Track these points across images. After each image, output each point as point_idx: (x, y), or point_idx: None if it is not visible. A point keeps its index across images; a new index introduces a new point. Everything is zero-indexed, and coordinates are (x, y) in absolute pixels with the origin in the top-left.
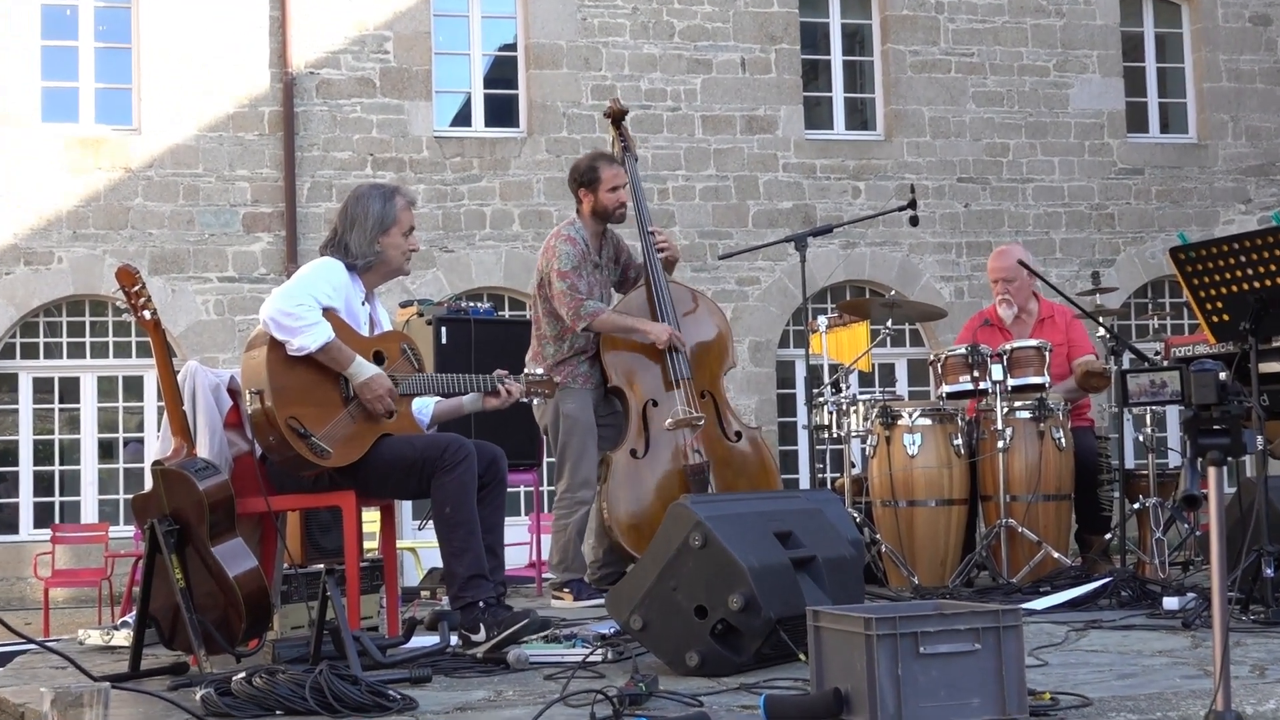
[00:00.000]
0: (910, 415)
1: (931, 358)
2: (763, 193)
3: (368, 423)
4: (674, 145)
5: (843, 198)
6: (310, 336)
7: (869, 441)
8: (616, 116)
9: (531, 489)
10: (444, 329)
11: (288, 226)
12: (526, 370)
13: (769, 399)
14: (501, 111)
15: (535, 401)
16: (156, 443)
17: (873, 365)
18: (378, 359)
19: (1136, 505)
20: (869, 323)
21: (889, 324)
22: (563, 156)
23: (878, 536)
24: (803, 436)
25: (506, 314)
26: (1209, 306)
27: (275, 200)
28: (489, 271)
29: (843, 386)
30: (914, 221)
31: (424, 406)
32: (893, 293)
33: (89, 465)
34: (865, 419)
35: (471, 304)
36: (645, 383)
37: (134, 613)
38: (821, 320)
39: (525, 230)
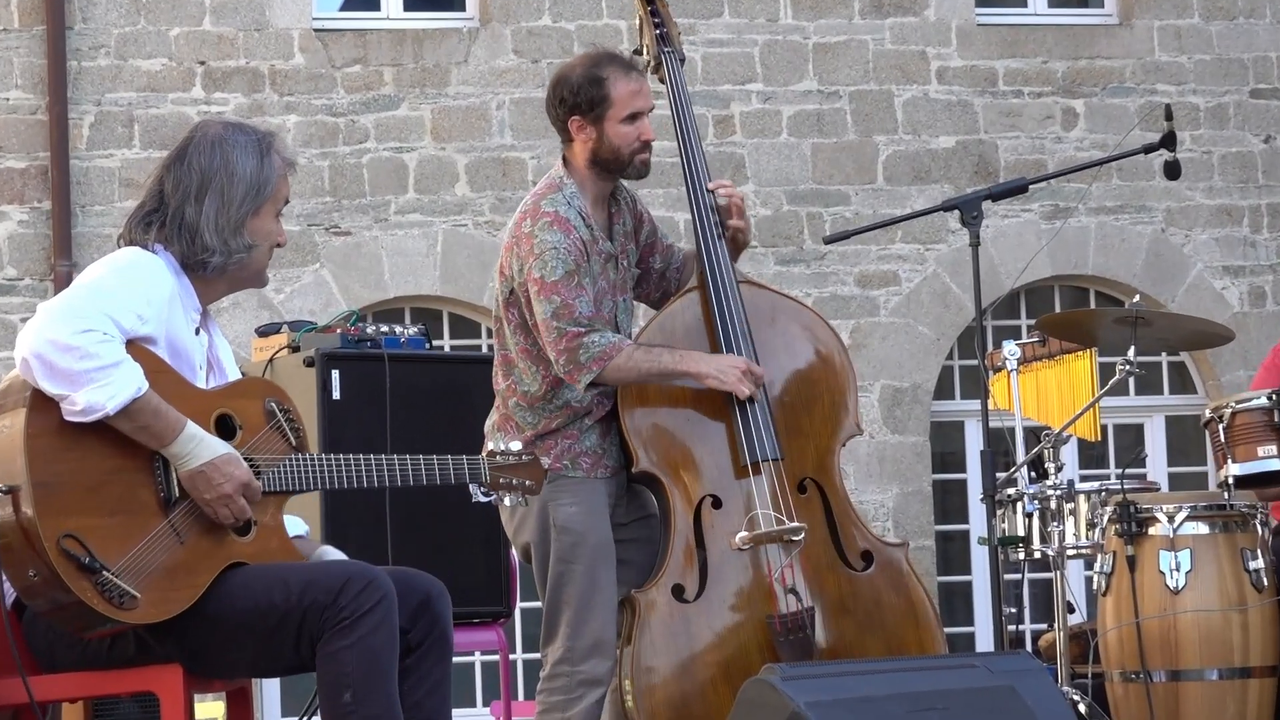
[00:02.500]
0: (1172, 518)
1: (1208, 414)
2: (902, 122)
3: (206, 542)
4: (741, 39)
5: (1045, 128)
6: (106, 388)
7: (1099, 566)
8: None
9: (498, 656)
10: (335, 373)
11: (55, 193)
12: (491, 447)
13: (918, 491)
14: None
15: (508, 502)
16: None
17: (1103, 429)
18: (223, 428)
19: None
20: (1095, 353)
21: (1131, 355)
22: (542, 63)
23: None
24: (979, 558)
25: (447, 344)
26: None
27: (32, 146)
28: (415, 269)
29: (1050, 467)
30: (1172, 171)
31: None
32: (1136, 299)
33: None
34: (1091, 525)
35: (385, 328)
36: (700, 464)
37: None
38: (1010, 350)
39: (478, 194)
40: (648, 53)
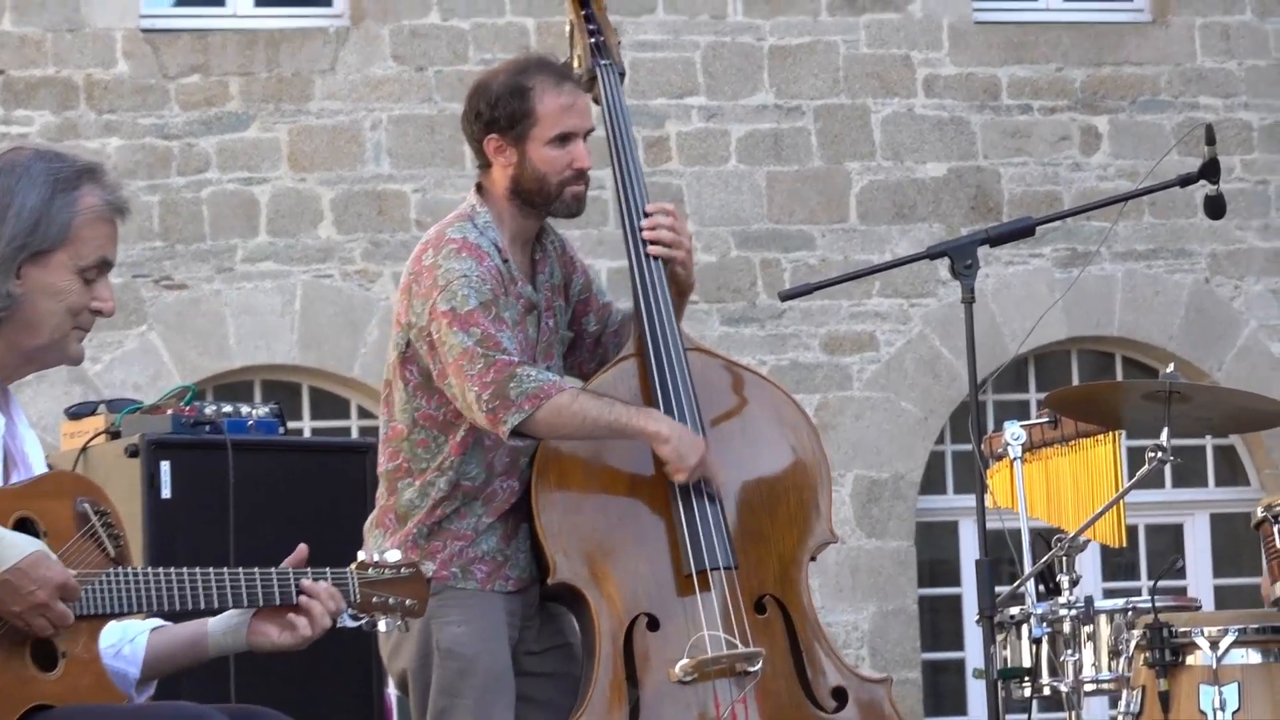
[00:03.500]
0: (1216, 644)
1: (1260, 513)
2: (881, 145)
3: (0, 680)
4: (679, 40)
5: (1059, 153)
6: None
7: (1125, 704)
8: None
9: None
10: (165, 465)
11: None
12: (363, 557)
13: (900, 610)
14: None
15: (382, 627)
16: None
17: (1130, 531)
18: (22, 532)
19: None
20: (1120, 436)
21: (1164, 439)
22: (428, 71)
23: None
24: (976, 694)
25: (307, 427)
26: None
27: None
28: (267, 332)
29: (1064, 580)
30: (1215, 208)
31: (129, 642)
32: (1171, 368)
33: None
34: (1115, 653)
35: (229, 408)
36: (632, 573)
37: None
38: (1014, 433)
39: (348, 237)
40: (580, 65)
